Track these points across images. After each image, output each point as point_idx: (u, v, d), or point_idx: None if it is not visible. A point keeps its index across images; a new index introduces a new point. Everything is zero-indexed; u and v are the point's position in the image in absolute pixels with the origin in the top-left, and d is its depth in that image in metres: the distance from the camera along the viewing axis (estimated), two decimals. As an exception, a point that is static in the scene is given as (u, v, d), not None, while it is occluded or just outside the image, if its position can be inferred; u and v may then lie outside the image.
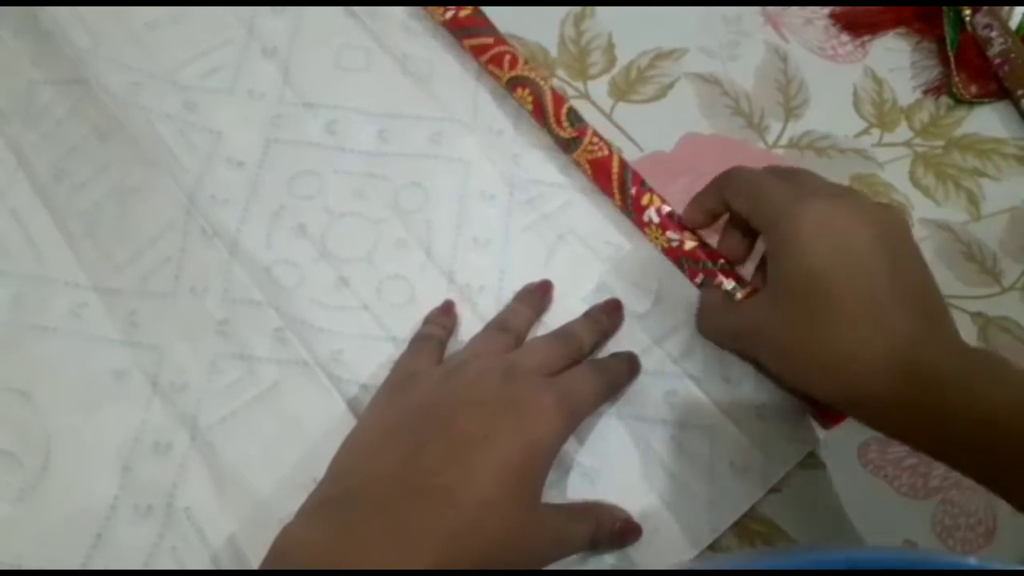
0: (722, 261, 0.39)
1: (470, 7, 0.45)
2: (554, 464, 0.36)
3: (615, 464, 0.37)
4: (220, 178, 0.42)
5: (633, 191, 0.41)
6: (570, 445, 0.37)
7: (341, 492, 0.31)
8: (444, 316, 0.40)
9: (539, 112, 0.43)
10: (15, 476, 0.37)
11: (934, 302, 0.33)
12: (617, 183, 0.41)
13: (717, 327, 0.39)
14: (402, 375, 0.36)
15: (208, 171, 0.42)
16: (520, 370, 0.34)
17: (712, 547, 0.36)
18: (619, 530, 0.35)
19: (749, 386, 0.39)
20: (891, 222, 0.33)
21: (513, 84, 0.43)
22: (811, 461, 0.39)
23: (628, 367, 0.38)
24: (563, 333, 0.38)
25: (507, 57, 0.43)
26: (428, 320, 0.39)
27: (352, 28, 0.47)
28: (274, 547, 0.30)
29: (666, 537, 0.36)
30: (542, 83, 0.43)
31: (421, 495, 0.30)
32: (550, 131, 0.42)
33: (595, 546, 0.35)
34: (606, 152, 0.41)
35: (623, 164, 0.41)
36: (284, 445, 0.37)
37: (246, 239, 0.41)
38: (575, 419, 0.34)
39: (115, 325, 0.39)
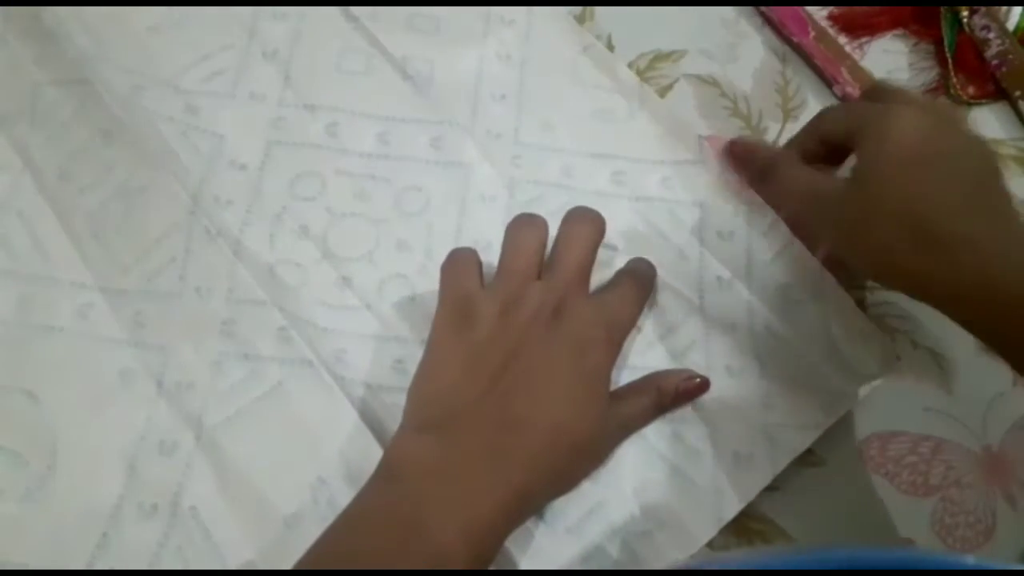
0: None
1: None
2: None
3: (617, 461, 0.38)
4: (223, 180, 0.43)
5: None
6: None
7: (439, 417, 0.35)
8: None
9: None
10: (21, 476, 0.37)
11: (1006, 202, 0.34)
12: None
13: (806, 184, 0.38)
14: (455, 303, 0.37)
15: (211, 173, 0.43)
16: (568, 303, 0.36)
17: (711, 546, 0.37)
18: (683, 391, 0.39)
19: (752, 377, 0.39)
20: (973, 137, 0.35)
21: None
22: (811, 459, 0.39)
23: (650, 268, 0.41)
24: (580, 214, 0.39)
25: None
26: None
27: (353, 31, 0.47)
28: (387, 461, 0.35)
29: (671, 530, 0.36)
30: None
31: (503, 423, 0.34)
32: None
33: (664, 412, 0.39)
34: None
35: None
36: (289, 444, 0.37)
37: (249, 240, 0.42)
38: (623, 340, 0.38)
39: (121, 325, 0.40)
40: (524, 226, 0.39)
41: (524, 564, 0.36)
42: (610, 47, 0.48)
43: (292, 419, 0.38)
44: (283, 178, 0.43)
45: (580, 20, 0.48)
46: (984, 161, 0.35)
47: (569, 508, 0.37)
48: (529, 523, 0.36)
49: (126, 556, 0.36)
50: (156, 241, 0.41)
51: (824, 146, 0.39)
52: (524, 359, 0.35)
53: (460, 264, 0.39)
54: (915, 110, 0.34)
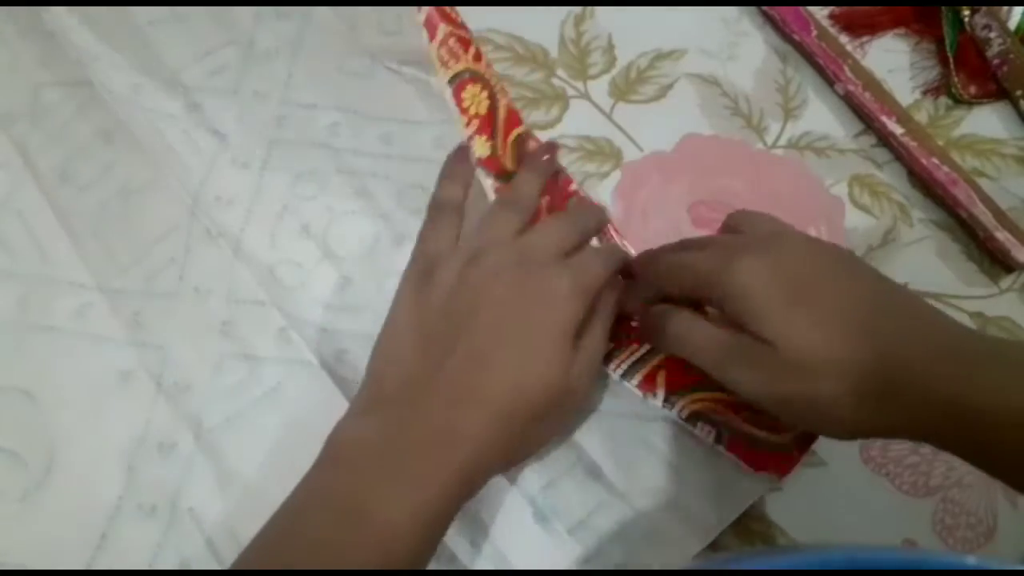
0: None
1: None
2: (557, 462, 0.37)
3: (619, 461, 0.38)
4: (224, 179, 0.43)
5: None
6: (574, 444, 0.38)
7: (384, 394, 0.33)
8: (460, 165, 0.40)
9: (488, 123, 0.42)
10: (20, 476, 0.37)
11: (918, 303, 0.32)
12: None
13: (710, 341, 0.34)
14: (423, 262, 0.36)
15: (212, 172, 0.43)
16: (534, 259, 0.35)
17: (712, 546, 0.37)
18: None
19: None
20: (833, 249, 0.34)
21: (465, 80, 0.42)
22: (812, 459, 0.39)
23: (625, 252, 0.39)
24: (569, 214, 0.39)
25: (472, 49, 0.43)
26: (444, 175, 0.39)
27: (354, 33, 0.47)
28: (328, 446, 0.33)
29: (672, 531, 0.36)
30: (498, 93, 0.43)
31: (453, 396, 0.32)
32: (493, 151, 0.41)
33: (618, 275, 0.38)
34: None
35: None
36: (288, 445, 0.37)
37: (250, 239, 0.41)
38: (589, 296, 0.35)
39: (120, 325, 0.39)
40: (503, 203, 0.39)
41: (525, 564, 0.36)
42: (610, 46, 0.48)
43: (292, 420, 0.38)
44: (284, 177, 0.43)
45: (580, 20, 0.48)
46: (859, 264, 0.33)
47: (570, 509, 0.37)
48: (531, 524, 0.36)
49: (125, 557, 0.36)
50: (156, 241, 0.41)
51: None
52: (481, 324, 0.33)
53: (437, 215, 0.38)
54: (757, 253, 0.32)
